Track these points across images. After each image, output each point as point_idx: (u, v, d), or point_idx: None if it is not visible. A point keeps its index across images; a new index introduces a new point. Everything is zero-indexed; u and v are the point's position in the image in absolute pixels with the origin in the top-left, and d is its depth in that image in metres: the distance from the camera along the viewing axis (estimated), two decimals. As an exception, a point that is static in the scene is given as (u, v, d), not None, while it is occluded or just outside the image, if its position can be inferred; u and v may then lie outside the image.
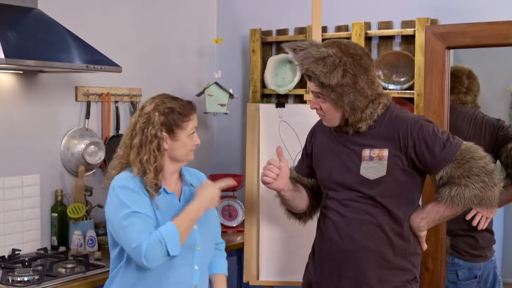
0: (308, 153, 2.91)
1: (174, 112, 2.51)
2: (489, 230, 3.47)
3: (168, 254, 2.41)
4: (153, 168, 2.49)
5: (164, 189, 2.56)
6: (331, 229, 2.70)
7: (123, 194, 2.46)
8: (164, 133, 2.50)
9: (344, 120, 2.66)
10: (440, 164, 2.58)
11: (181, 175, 2.69)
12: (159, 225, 2.48)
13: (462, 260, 3.46)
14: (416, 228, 2.68)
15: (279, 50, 4.48)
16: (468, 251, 3.46)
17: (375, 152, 2.63)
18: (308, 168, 2.92)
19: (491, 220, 3.35)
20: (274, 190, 2.83)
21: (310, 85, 2.64)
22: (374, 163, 2.62)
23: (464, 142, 2.60)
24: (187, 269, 2.57)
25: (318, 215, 2.91)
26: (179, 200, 2.61)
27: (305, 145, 2.95)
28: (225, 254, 2.88)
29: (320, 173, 2.81)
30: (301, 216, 3.00)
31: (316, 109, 2.69)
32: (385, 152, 2.62)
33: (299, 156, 3.03)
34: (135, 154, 2.50)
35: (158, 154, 2.49)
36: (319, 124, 2.86)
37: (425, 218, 2.67)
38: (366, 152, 2.64)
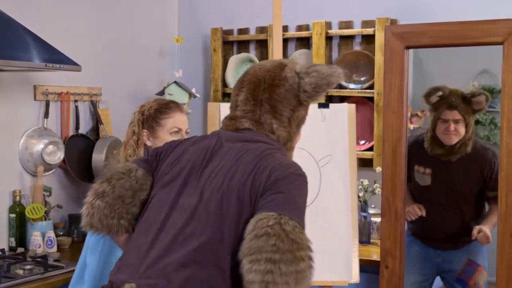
0: None
1: (152, 109, 2.72)
2: None
3: None
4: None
5: None
6: None
7: None
8: (144, 130, 2.70)
9: None
10: None
11: None
12: None
13: None
14: None
15: (240, 49, 4.48)
16: None
17: None
18: None
19: None
20: None
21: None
22: None
23: None
24: None
25: None
26: None
27: None
28: None
29: None
30: None
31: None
32: None
33: None
34: (122, 151, 2.73)
35: (136, 147, 2.67)
36: None
37: None
38: None
